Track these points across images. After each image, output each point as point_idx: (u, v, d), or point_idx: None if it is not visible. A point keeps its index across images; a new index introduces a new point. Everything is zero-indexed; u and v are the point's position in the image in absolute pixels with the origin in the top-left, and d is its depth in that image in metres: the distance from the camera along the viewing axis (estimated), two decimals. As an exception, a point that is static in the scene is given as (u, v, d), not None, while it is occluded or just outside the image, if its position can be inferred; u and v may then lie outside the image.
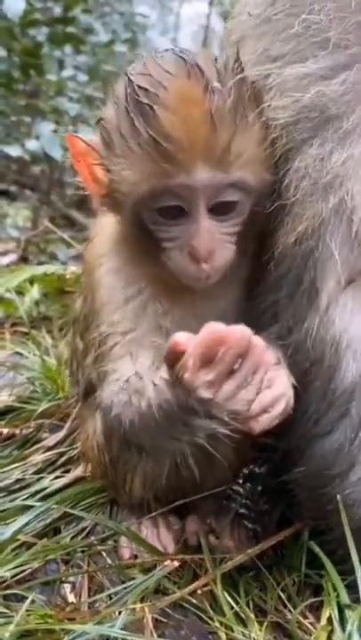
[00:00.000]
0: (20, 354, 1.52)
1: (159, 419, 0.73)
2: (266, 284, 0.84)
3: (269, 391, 0.71)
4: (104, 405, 0.82)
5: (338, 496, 0.80)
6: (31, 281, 2.03)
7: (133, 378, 0.78)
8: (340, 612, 0.80)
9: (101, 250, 0.89)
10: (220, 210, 0.76)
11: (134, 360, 0.80)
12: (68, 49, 3.80)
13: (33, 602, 0.83)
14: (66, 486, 1.06)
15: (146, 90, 0.73)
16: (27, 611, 0.79)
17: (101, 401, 0.83)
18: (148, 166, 0.73)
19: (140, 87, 0.73)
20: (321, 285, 0.78)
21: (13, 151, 2.97)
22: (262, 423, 0.71)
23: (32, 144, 2.94)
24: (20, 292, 1.91)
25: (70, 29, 3.55)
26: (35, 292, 1.96)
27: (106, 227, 0.89)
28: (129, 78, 0.75)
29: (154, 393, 0.73)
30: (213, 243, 0.76)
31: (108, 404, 0.80)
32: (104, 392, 0.82)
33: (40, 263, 2.42)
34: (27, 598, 0.82)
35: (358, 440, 0.81)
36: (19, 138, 3.28)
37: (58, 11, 3.58)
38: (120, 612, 0.78)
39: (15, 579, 0.86)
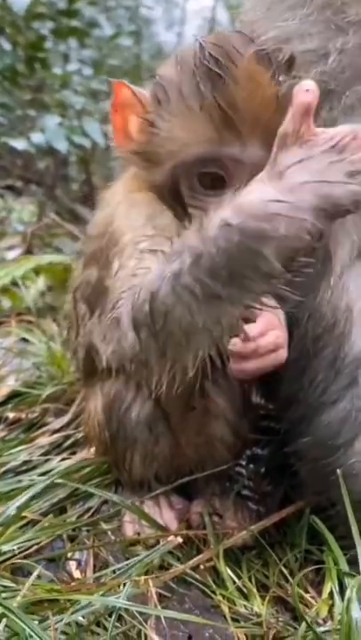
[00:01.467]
0: (27, 340, 1.54)
1: (229, 248, 0.62)
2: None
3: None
4: (134, 285, 0.72)
5: (338, 470, 0.81)
6: (37, 272, 2.05)
7: (177, 243, 0.68)
8: (341, 585, 0.82)
9: (119, 203, 0.86)
10: None
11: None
12: (72, 42, 3.82)
13: (39, 577, 0.85)
14: (72, 468, 1.07)
15: (217, 60, 0.74)
16: (33, 584, 0.81)
17: (132, 287, 0.73)
18: (205, 130, 0.74)
19: (211, 55, 0.74)
20: (335, 251, 0.80)
21: (19, 145, 2.98)
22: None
23: (37, 137, 2.95)
24: (25, 282, 1.93)
25: (75, 23, 3.56)
26: (40, 282, 1.98)
27: (121, 188, 0.88)
28: (201, 44, 0.76)
29: (233, 210, 0.63)
30: None
31: (140, 281, 0.71)
32: (135, 280, 0.73)
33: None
34: (32, 573, 0.84)
35: None
36: (24, 131, 3.29)
37: (62, 4, 3.59)
38: (125, 585, 0.79)
39: (22, 554, 0.88)
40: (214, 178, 0.76)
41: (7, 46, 3.31)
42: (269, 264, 0.61)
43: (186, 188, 0.78)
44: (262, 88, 0.73)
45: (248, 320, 0.70)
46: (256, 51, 0.75)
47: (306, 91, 0.60)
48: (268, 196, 0.60)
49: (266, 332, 0.73)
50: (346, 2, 0.77)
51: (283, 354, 0.75)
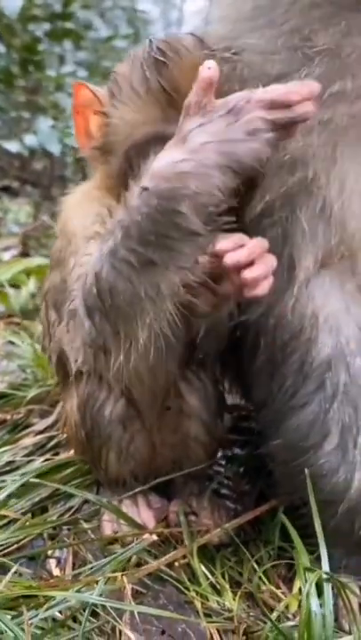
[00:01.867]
0: (13, 343, 1.57)
1: (151, 212, 0.66)
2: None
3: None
4: (81, 273, 0.76)
5: (306, 470, 0.83)
6: (28, 274, 2.08)
7: (109, 219, 0.76)
8: (306, 580, 0.84)
9: (75, 205, 0.90)
10: None
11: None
12: (67, 45, 3.85)
13: (20, 575, 0.87)
14: (53, 467, 1.10)
15: (163, 52, 0.79)
16: (10, 581, 0.84)
17: (79, 276, 0.77)
18: (152, 111, 0.79)
19: (158, 48, 0.80)
20: (298, 258, 0.82)
21: (12, 147, 3.01)
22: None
23: (30, 139, 2.98)
24: (16, 285, 1.96)
25: (69, 25, 3.58)
26: (31, 284, 2.01)
27: (78, 191, 0.92)
28: (150, 40, 0.81)
29: (150, 176, 0.67)
30: None
31: (84, 270, 0.75)
32: (80, 269, 0.78)
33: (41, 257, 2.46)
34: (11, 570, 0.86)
35: (332, 411, 0.85)
36: (18, 133, 3.32)
37: (57, 7, 3.62)
38: (100, 581, 0.81)
39: (1, 552, 0.90)
40: None
41: (1, 48, 3.33)
42: (189, 220, 0.65)
43: (139, 169, 0.80)
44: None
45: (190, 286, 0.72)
46: (204, 51, 0.80)
47: (208, 68, 0.66)
48: (175, 158, 0.65)
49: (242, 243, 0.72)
50: (314, 30, 0.79)
51: (272, 256, 0.74)
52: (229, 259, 0.69)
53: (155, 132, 0.79)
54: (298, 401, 0.87)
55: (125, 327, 0.73)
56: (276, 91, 0.66)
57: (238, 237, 0.72)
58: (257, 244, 0.72)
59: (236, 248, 0.70)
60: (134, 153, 0.81)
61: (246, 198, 0.82)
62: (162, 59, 0.79)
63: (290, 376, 0.87)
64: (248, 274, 0.70)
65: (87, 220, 0.83)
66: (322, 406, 0.86)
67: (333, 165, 0.81)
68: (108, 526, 0.98)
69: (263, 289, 0.71)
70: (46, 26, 3.46)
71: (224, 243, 0.70)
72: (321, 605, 0.72)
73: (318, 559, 0.86)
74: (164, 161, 0.66)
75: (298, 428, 0.87)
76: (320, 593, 0.77)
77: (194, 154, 0.65)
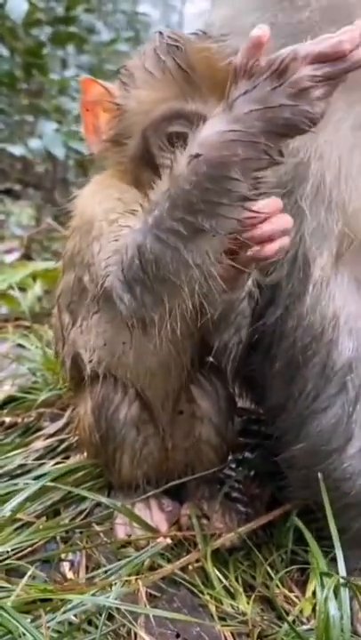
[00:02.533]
0: (23, 346, 1.57)
1: (199, 179, 0.65)
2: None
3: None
4: (117, 249, 0.76)
5: (320, 474, 0.83)
6: (34, 277, 2.08)
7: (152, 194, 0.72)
8: (323, 585, 0.84)
9: (90, 195, 0.89)
10: None
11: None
12: (70, 48, 3.85)
13: (34, 578, 0.88)
14: (66, 471, 1.10)
15: (175, 40, 0.81)
16: (27, 585, 0.84)
17: (113, 254, 0.77)
18: (169, 89, 0.79)
19: (170, 37, 0.81)
20: (314, 258, 0.82)
21: (16, 150, 3.01)
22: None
23: (35, 143, 2.98)
24: (22, 288, 1.96)
25: (72, 29, 3.59)
26: (37, 288, 2.01)
27: (91, 184, 0.92)
28: (160, 32, 0.83)
29: (198, 145, 0.66)
30: None
31: (122, 243, 0.75)
32: (117, 244, 0.77)
33: (44, 260, 2.47)
34: (26, 574, 0.86)
35: (355, 414, 0.84)
36: (21, 137, 3.32)
37: (60, 10, 3.62)
38: (115, 585, 0.82)
39: (16, 555, 0.91)
40: (181, 136, 0.79)
41: (5, 52, 3.33)
42: (240, 186, 0.65)
43: (156, 148, 0.82)
44: (216, 61, 0.79)
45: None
46: (213, 41, 0.81)
47: (258, 28, 0.63)
48: (222, 128, 0.64)
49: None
50: None
51: (288, 217, 0.74)
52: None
53: (172, 110, 0.80)
54: (320, 404, 0.87)
55: (170, 295, 0.72)
56: (324, 42, 0.62)
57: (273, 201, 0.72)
58: (273, 204, 0.72)
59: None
60: (152, 131, 0.81)
61: None
62: (175, 44, 0.80)
63: (311, 379, 0.87)
64: (252, 233, 0.70)
65: (107, 204, 0.83)
66: (345, 409, 0.86)
67: (321, 141, 0.80)
68: (121, 529, 0.99)
69: (269, 250, 0.71)
70: (49, 30, 3.47)
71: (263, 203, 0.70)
72: (338, 609, 0.72)
73: (332, 562, 0.86)
74: (212, 130, 0.65)
75: (320, 431, 0.87)
76: (335, 596, 0.77)
77: (240, 123, 0.63)
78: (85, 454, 1.08)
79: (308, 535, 0.87)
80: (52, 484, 1.01)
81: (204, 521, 1.01)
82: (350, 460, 0.86)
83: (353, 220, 0.83)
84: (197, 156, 0.65)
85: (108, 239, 0.80)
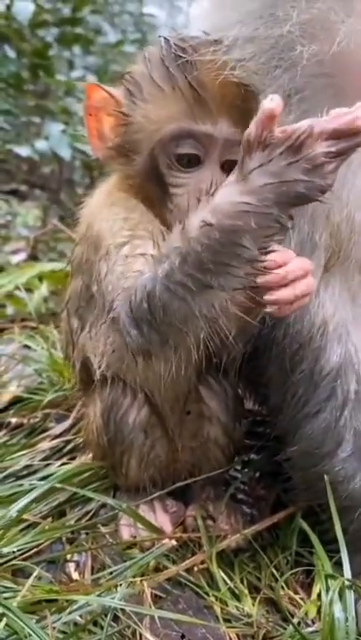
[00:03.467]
0: (29, 347, 1.58)
1: (212, 244, 0.67)
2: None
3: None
4: (127, 287, 0.76)
5: (325, 477, 0.84)
6: (40, 278, 2.09)
7: (164, 243, 0.73)
8: (328, 588, 0.85)
9: (97, 203, 0.91)
10: (228, 167, 0.81)
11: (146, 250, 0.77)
12: (77, 50, 3.86)
13: (40, 579, 0.88)
14: (71, 472, 1.10)
15: (183, 49, 0.80)
16: (32, 585, 0.84)
17: (122, 291, 0.77)
18: (178, 108, 0.79)
19: (177, 46, 0.81)
20: None
21: (23, 151, 3.02)
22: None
23: (41, 144, 2.99)
24: (29, 289, 1.97)
25: (79, 30, 3.59)
26: (43, 289, 2.02)
27: (98, 190, 0.93)
28: (165, 39, 0.82)
29: (210, 211, 0.67)
30: None
31: (133, 284, 0.75)
32: (127, 281, 0.77)
33: (50, 261, 2.47)
34: (32, 574, 0.87)
35: (343, 419, 0.86)
36: (28, 138, 3.33)
37: (67, 11, 3.63)
38: (120, 586, 0.82)
39: (22, 556, 0.91)
40: (190, 157, 0.81)
41: (12, 54, 3.34)
42: (249, 251, 0.67)
43: (164, 167, 0.82)
44: (225, 77, 0.79)
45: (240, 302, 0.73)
46: (218, 47, 0.80)
47: (271, 99, 0.63)
48: (236, 198, 0.65)
49: (289, 261, 0.72)
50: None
51: (312, 280, 0.74)
52: (262, 280, 0.70)
53: (181, 129, 0.80)
54: (311, 409, 0.88)
55: (175, 339, 0.75)
56: (339, 119, 0.63)
57: (283, 255, 0.72)
58: (298, 266, 0.71)
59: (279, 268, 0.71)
60: (160, 151, 0.81)
61: None
62: (184, 56, 0.79)
63: (301, 385, 0.88)
64: (270, 297, 0.71)
65: (115, 226, 0.83)
66: (333, 414, 0.87)
67: None
68: (126, 531, 0.99)
69: (284, 311, 0.72)
70: (56, 31, 3.48)
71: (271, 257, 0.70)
72: (343, 611, 0.73)
73: (337, 565, 0.86)
74: (226, 199, 0.66)
75: (312, 435, 0.88)
76: (340, 598, 0.77)
77: (254, 195, 0.65)
78: (91, 456, 1.08)
79: (313, 537, 0.88)
80: (59, 485, 1.00)
81: (210, 522, 1.01)
82: (342, 463, 0.87)
83: (337, 232, 0.84)
84: (210, 224, 0.66)
85: (115, 269, 0.81)
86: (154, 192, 0.84)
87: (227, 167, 0.81)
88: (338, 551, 0.88)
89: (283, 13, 0.80)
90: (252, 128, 0.64)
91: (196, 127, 0.79)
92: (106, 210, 0.87)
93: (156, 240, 0.75)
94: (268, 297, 0.70)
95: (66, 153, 2.89)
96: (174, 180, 0.82)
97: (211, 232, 0.67)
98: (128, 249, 0.80)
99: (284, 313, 0.72)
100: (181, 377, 0.81)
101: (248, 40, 0.81)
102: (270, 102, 0.63)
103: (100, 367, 0.90)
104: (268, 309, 0.72)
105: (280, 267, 0.70)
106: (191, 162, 0.81)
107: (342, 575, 0.81)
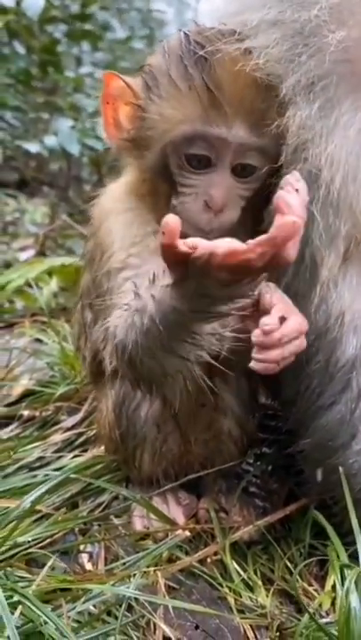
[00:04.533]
0: (40, 340, 1.58)
1: (163, 331, 0.70)
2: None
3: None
4: (109, 333, 0.79)
5: (340, 468, 0.83)
6: (49, 273, 2.09)
7: (134, 300, 0.76)
8: (343, 578, 0.85)
9: (110, 204, 0.92)
10: (239, 171, 0.82)
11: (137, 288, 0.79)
12: (85, 46, 3.86)
13: (53, 569, 0.88)
14: (84, 464, 1.10)
15: (202, 45, 0.79)
16: (47, 575, 0.85)
17: (107, 330, 0.81)
18: (193, 109, 0.78)
19: (196, 42, 0.79)
20: (320, 256, 0.82)
21: (32, 147, 3.03)
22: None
23: (50, 140, 2.99)
24: (38, 284, 1.97)
25: (88, 26, 3.60)
26: (53, 284, 2.02)
27: (113, 187, 0.93)
28: (185, 33, 0.81)
29: (155, 305, 0.70)
30: (228, 197, 0.81)
31: (113, 331, 0.78)
32: (110, 322, 0.80)
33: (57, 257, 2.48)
34: (46, 564, 0.87)
35: (358, 411, 0.85)
36: (37, 134, 3.34)
37: (75, 8, 3.64)
38: (134, 576, 0.82)
39: (36, 546, 0.91)
40: (201, 158, 0.81)
41: (21, 50, 3.35)
42: (199, 336, 0.70)
43: (175, 167, 0.82)
44: (245, 72, 0.78)
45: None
46: (239, 42, 0.79)
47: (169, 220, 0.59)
48: (172, 302, 0.67)
49: (288, 318, 0.72)
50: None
51: (304, 342, 0.75)
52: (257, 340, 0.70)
53: (194, 131, 0.79)
54: (325, 401, 0.88)
55: (157, 383, 0.81)
56: (233, 257, 0.59)
57: (285, 310, 0.73)
58: (294, 328, 0.72)
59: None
60: (172, 150, 0.81)
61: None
62: (203, 54, 0.78)
63: (315, 377, 0.87)
64: (258, 355, 0.71)
65: (125, 242, 0.85)
66: (348, 406, 0.86)
67: (330, 146, 0.80)
68: (139, 522, 0.99)
69: (268, 370, 0.72)
70: (64, 27, 3.48)
71: (267, 319, 0.71)
72: (360, 601, 0.72)
73: (351, 557, 0.86)
74: (165, 299, 0.68)
75: (326, 427, 0.88)
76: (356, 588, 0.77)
77: (185, 301, 0.66)
78: (103, 449, 1.08)
79: (328, 528, 0.87)
80: (74, 475, 1.01)
81: (222, 515, 1.01)
82: (356, 455, 0.87)
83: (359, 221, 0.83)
84: (154, 320, 0.69)
85: (112, 290, 0.83)
86: (163, 189, 0.84)
87: (238, 170, 0.82)
88: (351, 544, 0.88)
89: None
90: (163, 242, 0.61)
91: (210, 130, 0.78)
92: (113, 217, 0.88)
93: (151, 267, 0.76)
94: (256, 355, 0.70)
95: (75, 149, 2.90)
96: (184, 179, 0.82)
97: (156, 324, 0.69)
98: (124, 275, 0.82)
99: (268, 371, 0.72)
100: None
101: (272, 24, 0.80)
102: (169, 221, 0.59)
103: (111, 363, 0.90)
104: (254, 365, 0.71)
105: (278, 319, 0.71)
106: (202, 163, 0.81)
107: (358, 566, 0.81)
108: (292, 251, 0.58)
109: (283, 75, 0.79)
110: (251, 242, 0.58)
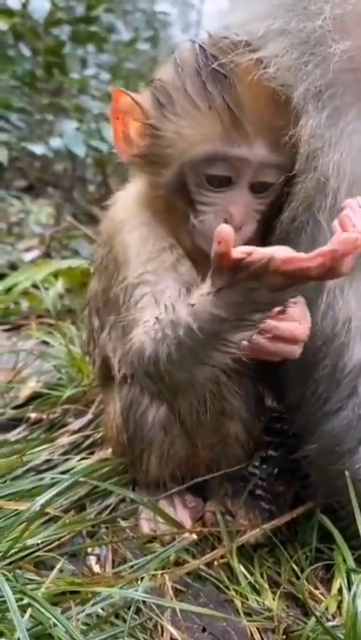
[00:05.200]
0: (47, 343, 1.59)
1: (201, 341, 0.70)
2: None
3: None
4: (136, 348, 0.79)
5: (346, 472, 0.84)
6: (55, 275, 2.10)
7: (164, 314, 0.76)
8: (349, 582, 0.85)
9: (123, 215, 0.91)
10: (256, 188, 0.82)
11: (160, 303, 0.80)
12: (90, 47, 3.87)
13: (61, 571, 0.89)
14: (91, 467, 1.11)
15: (218, 59, 0.77)
16: (56, 578, 0.85)
17: (132, 346, 0.80)
18: (213, 129, 0.77)
19: (212, 55, 0.77)
20: None
21: (37, 149, 3.04)
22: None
23: (55, 141, 3.00)
24: (44, 286, 1.98)
25: (93, 28, 3.60)
26: (59, 286, 2.03)
27: (125, 196, 0.93)
28: (200, 45, 0.80)
29: (192, 315, 0.70)
30: (247, 213, 0.81)
31: (140, 346, 0.78)
32: (134, 337, 0.80)
33: (63, 259, 2.49)
34: (55, 567, 0.88)
35: None
36: (42, 136, 3.35)
37: (80, 10, 3.65)
38: (142, 579, 0.83)
39: (45, 549, 0.92)
40: (221, 179, 0.80)
41: (27, 52, 3.36)
42: (232, 344, 0.70)
43: (193, 185, 0.81)
44: (263, 87, 0.78)
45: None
46: (253, 52, 0.79)
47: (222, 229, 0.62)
48: (212, 310, 0.67)
49: (289, 319, 0.74)
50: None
51: (297, 350, 0.76)
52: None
53: (215, 152, 0.78)
54: (331, 406, 0.88)
55: (183, 392, 0.82)
56: (293, 263, 0.62)
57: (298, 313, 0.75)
58: (289, 329, 0.74)
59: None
60: (190, 171, 0.80)
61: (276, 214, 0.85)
62: (222, 71, 0.76)
63: (322, 382, 0.88)
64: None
65: (141, 258, 0.85)
66: (355, 412, 0.87)
67: (337, 154, 0.80)
68: (146, 525, 1.00)
69: (250, 353, 0.74)
70: (70, 29, 3.49)
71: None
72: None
73: (357, 562, 0.87)
74: (204, 308, 0.68)
75: (333, 433, 0.88)
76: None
77: (227, 309, 0.66)
78: (111, 451, 1.09)
79: (334, 531, 0.88)
80: (83, 479, 1.02)
81: (228, 518, 1.01)
82: None
83: None
84: (191, 328, 0.69)
85: (130, 305, 0.84)
86: (179, 205, 0.83)
87: (256, 187, 0.81)
88: (357, 548, 0.89)
89: (315, 7, 0.79)
90: (218, 250, 0.63)
91: (231, 150, 0.77)
92: (127, 231, 0.88)
93: (168, 283, 0.80)
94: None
95: (80, 150, 2.90)
96: (203, 198, 0.81)
97: (193, 334, 0.69)
98: (141, 291, 0.83)
99: (249, 354, 0.74)
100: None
101: (280, 33, 0.80)
102: (223, 230, 0.62)
103: (119, 370, 0.91)
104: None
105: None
106: (222, 183, 0.80)
107: (362, 570, 0.81)
108: (348, 265, 0.61)
109: (293, 83, 0.79)
110: (314, 252, 0.60)
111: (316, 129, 0.79)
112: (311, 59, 0.79)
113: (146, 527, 1.00)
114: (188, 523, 1.00)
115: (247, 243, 0.81)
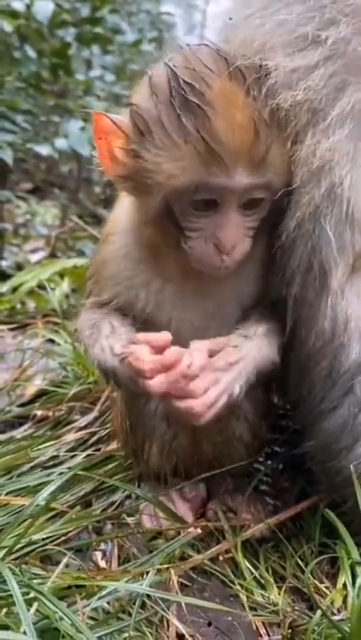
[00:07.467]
0: (53, 341, 1.60)
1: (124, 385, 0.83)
2: (280, 274, 0.87)
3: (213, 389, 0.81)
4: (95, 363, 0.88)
5: (351, 466, 0.84)
6: (61, 275, 2.12)
7: (104, 340, 0.85)
8: (354, 576, 0.85)
9: (113, 228, 0.92)
10: (246, 206, 0.80)
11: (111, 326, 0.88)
12: (95, 49, 3.88)
13: (67, 566, 0.90)
14: (97, 463, 1.12)
15: (191, 86, 0.74)
16: (62, 572, 0.86)
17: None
18: (192, 162, 0.74)
19: (185, 82, 0.74)
20: (330, 269, 0.83)
21: (43, 150, 3.05)
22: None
23: (61, 142, 3.01)
24: (50, 285, 1.99)
25: (98, 30, 3.61)
26: (65, 285, 2.04)
27: (123, 206, 0.91)
28: (172, 71, 0.76)
29: (110, 359, 0.82)
30: (237, 235, 0.79)
31: (97, 363, 0.87)
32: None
33: (68, 259, 2.50)
34: (61, 562, 0.88)
35: None
36: (47, 137, 3.36)
37: (85, 11, 3.65)
38: (148, 573, 0.83)
39: (51, 544, 0.93)
40: (208, 202, 0.78)
41: (32, 54, 3.37)
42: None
43: (179, 212, 0.79)
44: (241, 112, 0.74)
45: None
46: (229, 65, 0.76)
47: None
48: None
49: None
50: None
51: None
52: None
53: (195, 183, 0.76)
54: (328, 405, 0.88)
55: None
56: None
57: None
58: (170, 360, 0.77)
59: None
60: (174, 199, 0.78)
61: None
62: (194, 99, 0.73)
63: (319, 382, 0.88)
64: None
65: (121, 263, 0.90)
66: (351, 410, 0.87)
67: (355, 165, 0.80)
68: (148, 520, 1.00)
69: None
70: (75, 31, 3.50)
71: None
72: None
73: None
74: None
75: (329, 431, 0.89)
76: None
77: None
78: (117, 442, 1.10)
79: (339, 526, 0.88)
80: (85, 473, 1.02)
81: (231, 514, 1.02)
82: (359, 459, 0.87)
83: None
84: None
85: (107, 285, 0.91)
86: (168, 231, 0.82)
87: (246, 206, 0.80)
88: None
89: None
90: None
91: (212, 180, 0.75)
92: (121, 247, 0.90)
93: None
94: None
95: (86, 151, 2.91)
96: (190, 224, 0.79)
97: (117, 381, 0.84)
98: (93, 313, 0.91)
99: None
100: None
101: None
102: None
103: None
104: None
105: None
106: (209, 205, 0.78)
107: (368, 564, 0.82)
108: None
109: (302, 100, 0.79)
110: None
111: (336, 144, 0.79)
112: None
113: (148, 523, 1.00)
114: (190, 517, 1.00)
115: (248, 253, 0.83)
